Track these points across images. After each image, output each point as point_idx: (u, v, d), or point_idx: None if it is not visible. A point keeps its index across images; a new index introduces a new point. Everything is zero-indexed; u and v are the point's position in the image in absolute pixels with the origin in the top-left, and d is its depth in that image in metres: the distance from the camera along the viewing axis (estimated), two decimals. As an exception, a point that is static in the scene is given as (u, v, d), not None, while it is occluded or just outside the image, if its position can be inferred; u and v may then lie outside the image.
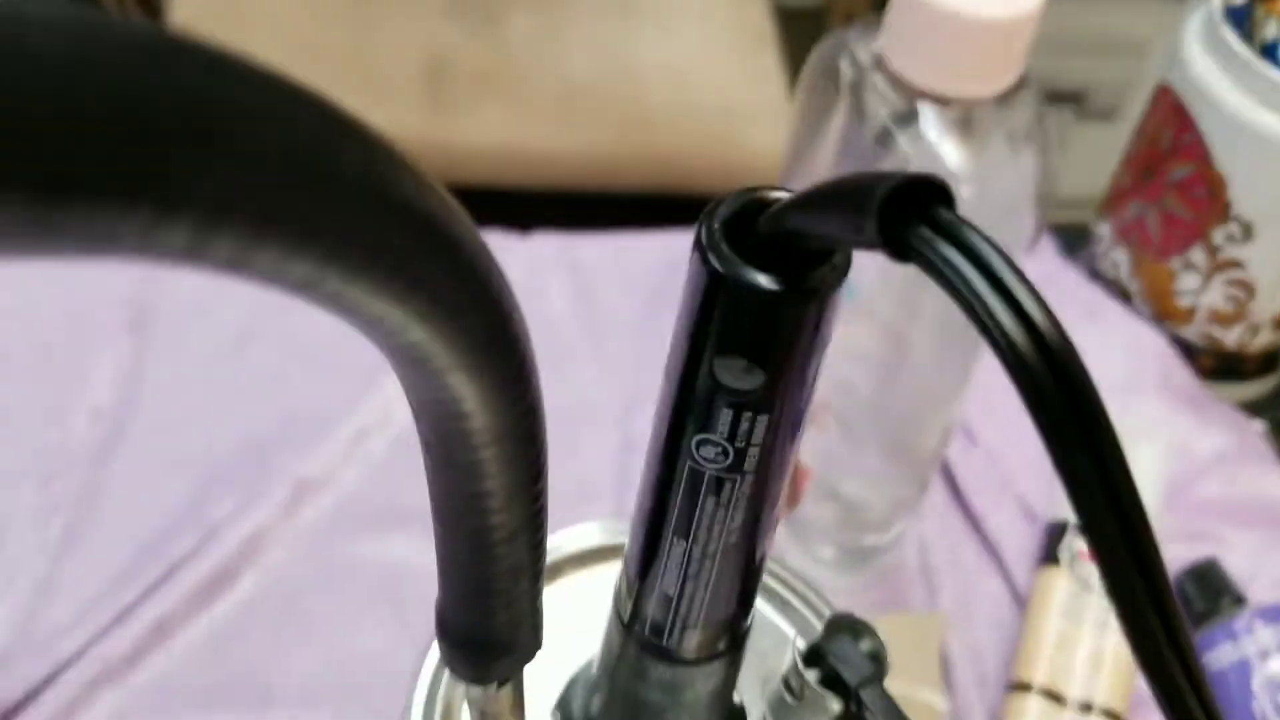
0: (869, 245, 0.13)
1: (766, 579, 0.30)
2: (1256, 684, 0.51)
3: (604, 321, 0.64)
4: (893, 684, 0.53)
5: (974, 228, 0.13)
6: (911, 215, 0.13)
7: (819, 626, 0.29)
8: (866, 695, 0.25)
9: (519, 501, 0.18)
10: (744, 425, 0.17)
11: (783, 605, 0.29)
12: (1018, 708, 0.50)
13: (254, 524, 0.52)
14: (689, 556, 0.20)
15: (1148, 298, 0.65)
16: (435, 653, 0.27)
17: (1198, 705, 0.15)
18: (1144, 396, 0.62)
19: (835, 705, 0.25)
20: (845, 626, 0.26)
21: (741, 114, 1.03)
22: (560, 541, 0.30)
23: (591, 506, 0.56)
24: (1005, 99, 0.39)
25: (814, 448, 0.49)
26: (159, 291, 0.60)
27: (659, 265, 0.67)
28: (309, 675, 0.48)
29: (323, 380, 0.58)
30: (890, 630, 0.54)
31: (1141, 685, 0.51)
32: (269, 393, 0.58)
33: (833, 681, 0.25)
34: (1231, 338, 0.63)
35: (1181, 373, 0.63)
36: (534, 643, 0.22)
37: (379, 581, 0.51)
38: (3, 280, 0.59)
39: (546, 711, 0.27)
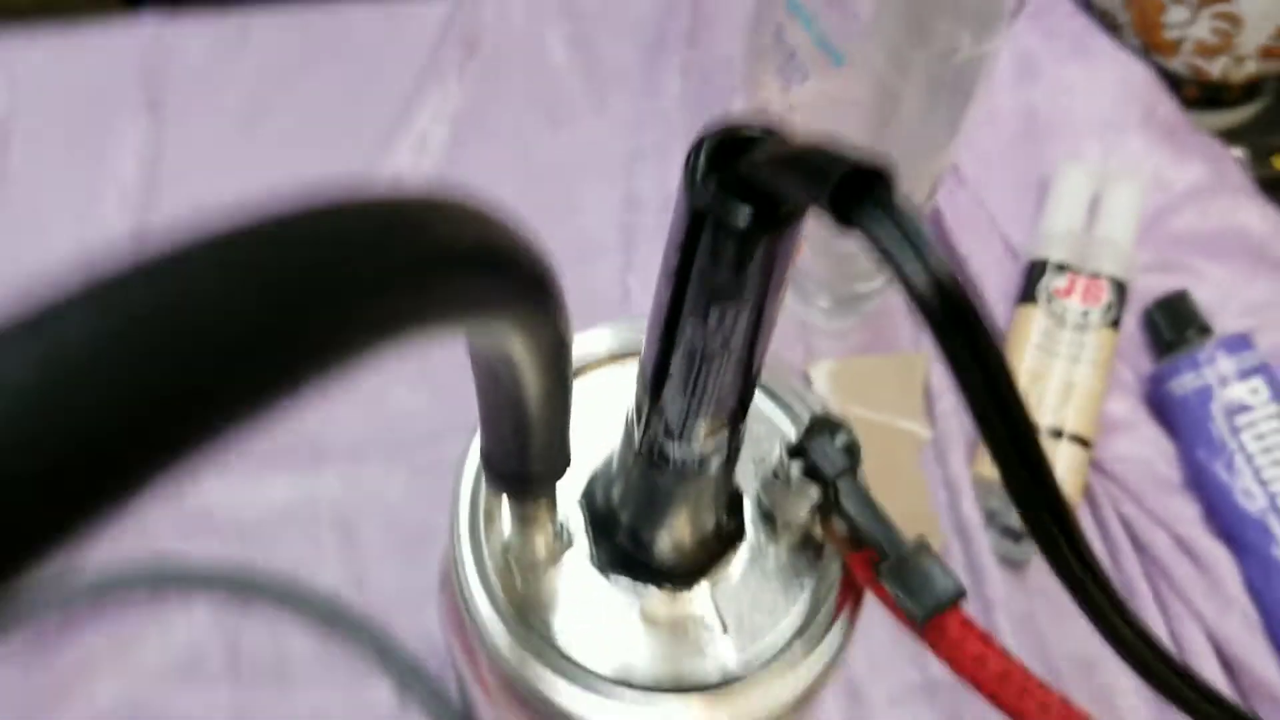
0: (822, 210, 0.16)
1: (766, 374, 0.33)
2: (1215, 408, 0.56)
3: (605, 72, 0.65)
4: (881, 416, 0.58)
5: (907, 206, 0.16)
6: (859, 193, 0.16)
7: (805, 417, 0.33)
8: (841, 485, 0.29)
9: (553, 393, 0.22)
10: (727, 316, 0.20)
11: (774, 397, 0.33)
12: (993, 434, 0.55)
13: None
14: (691, 395, 0.24)
15: (1137, 30, 0.65)
16: (474, 453, 0.31)
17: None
18: (1127, 133, 0.64)
19: (815, 492, 0.29)
20: (824, 425, 0.30)
21: None
22: (576, 347, 0.34)
23: (595, 265, 0.59)
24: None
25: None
26: (170, 71, 0.61)
27: (654, 10, 0.67)
28: (355, 434, 0.53)
29: (334, 149, 0.61)
30: (877, 368, 0.59)
31: (1108, 411, 0.56)
32: (283, 164, 0.60)
33: (813, 473, 0.29)
34: (1216, 68, 0.65)
35: (1166, 105, 0.65)
36: (564, 465, 0.26)
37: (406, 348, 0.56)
38: (24, 73, 0.61)
39: (573, 502, 0.32)
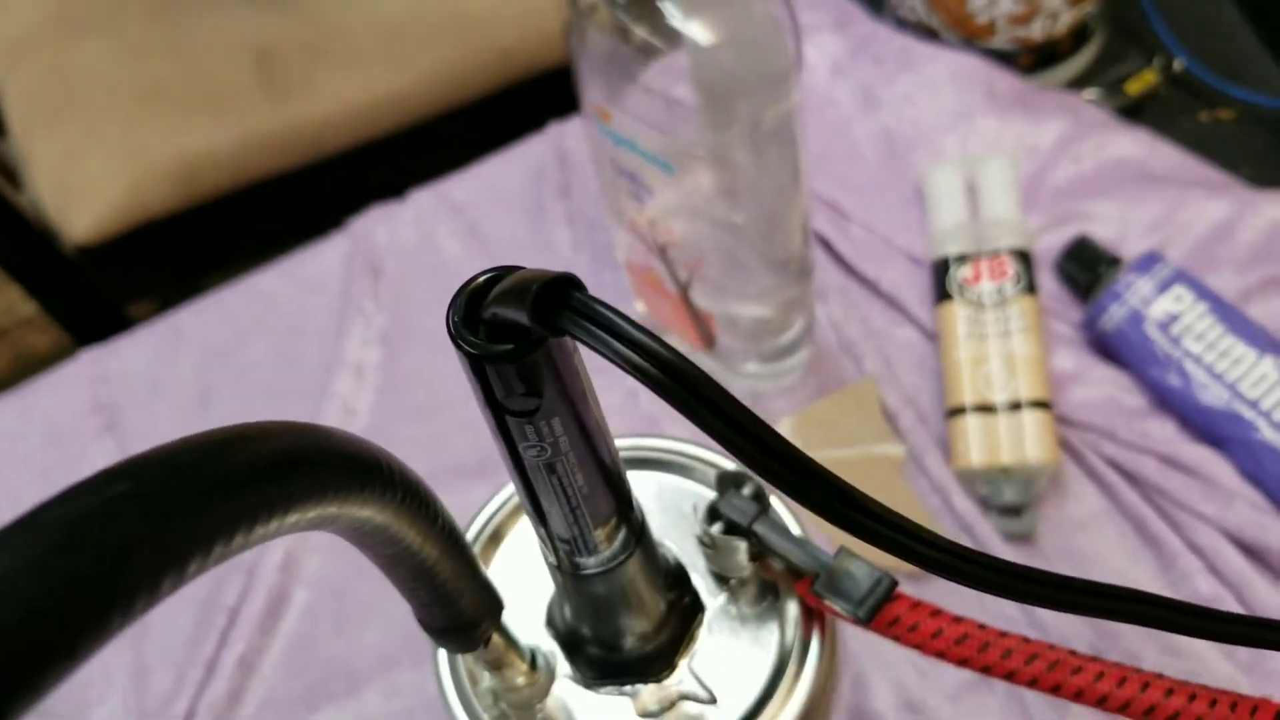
0: (535, 327, 0.19)
1: (668, 456, 0.36)
2: (1150, 329, 0.58)
3: (499, 247, 0.70)
4: (854, 450, 0.60)
5: (598, 304, 0.19)
6: (557, 305, 0.19)
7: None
8: (759, 528, 0.32)
9: (445, 553, 0.25)
10: (544, 428, 0.23)
11: (686, 471, 0.36)
12: (960, 430, 0.58)
13: (283, 548, 0.59)
14: (565, 507, 0.26)
15: (950, 26, 0.70)
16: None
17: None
18: (978, 117, 0.67)
19: (742, 544, 0.32)
20: (729, 480, 0.33)
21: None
22: (501, 502, 0.37)
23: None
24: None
25: (705, 296, 0.55)
26: (118, 392, 0.66)
27: (525, 181, 0.72)
28: (382, 648, 0.56)
29: (284, 403, 0.65)
30: (833, 407, 0.62)
31: (1056, 368, 0.59)
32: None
33: (733, 527, 0.32)
34: (1036, 31, 0.69)
35: (1004, 79, 0.69)
36: (496, 605, 0.29)
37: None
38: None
39: (541, 629, 0.34)
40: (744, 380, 0.60)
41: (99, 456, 0.63)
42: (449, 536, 0.25)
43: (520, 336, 0.21)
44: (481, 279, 0.22)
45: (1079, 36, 0.71)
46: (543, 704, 0.33)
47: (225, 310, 0.69)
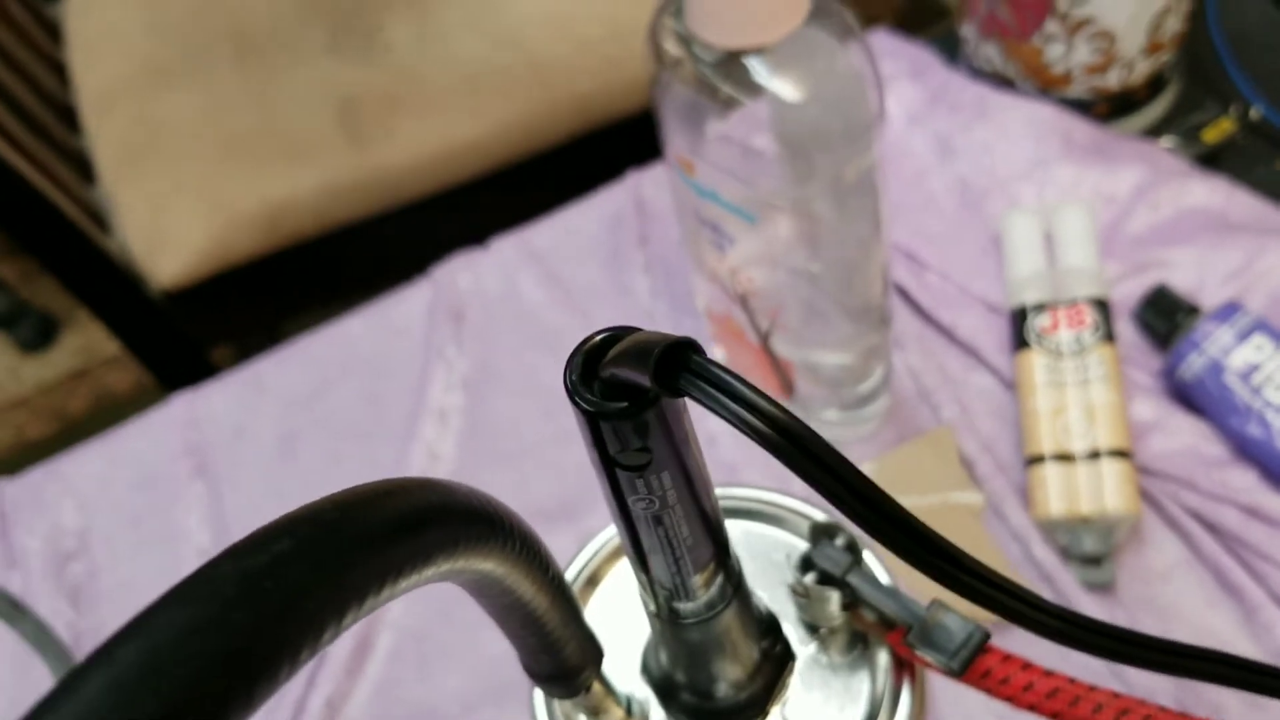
0: (655, 389, 0.20)
1: (757, 506, 0.37)
2: (1229, 378, 0.58)
3: (579, 295, 0.71)
4: (932, 497, 0.61)
5: (715, 366, 0.20)
6: (677, 368, 0.20)
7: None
8: (852, 580, 0.32)
9: (554, 603, 0.26)
10: (654, 482, 0.24)
11: (775, 520, 0.37)
12: (1039, 479, 0.58)
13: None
14: (669, 557, 0.27)
15: (1027, 76, 0.70)
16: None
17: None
18: (1054, 165, 0.68)
19: (835, 594, 0.33)
20: (822, 531, 0.34)
21: (630, 32, 1.08)
22: (603, 541, 0.37)
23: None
24: (811, 17, 0.45)
25: (785, 345, 0.56)
26: (206, 436, 0.68)
27: (603, 229, 0.73)
28: (463, 690, 0.57)
29: (369, 448, 0.66)
30: (911, 455, 0.62)
31: (1135, 417, 0.58)
32: (330, 476, 0.66)
33: (826, 578, 0.33)
34: (1113, 80, 0.69)
35: (1081, 127, 0.69)
36: (598, 653, 0.30)
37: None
38: (88, 485, 0.67)
39: (636, 675, 0.35)
40: (823, 428, 0.61)
41: (191, 500, 0.65)
42: (558, 587, 0.26)
43: (635, 395, 0.22)
44: (598, 339, 0.23)
45: (1155, 85, 0.71)
46: (638, 750, 0.34)
47: (310, 356, 0.71)
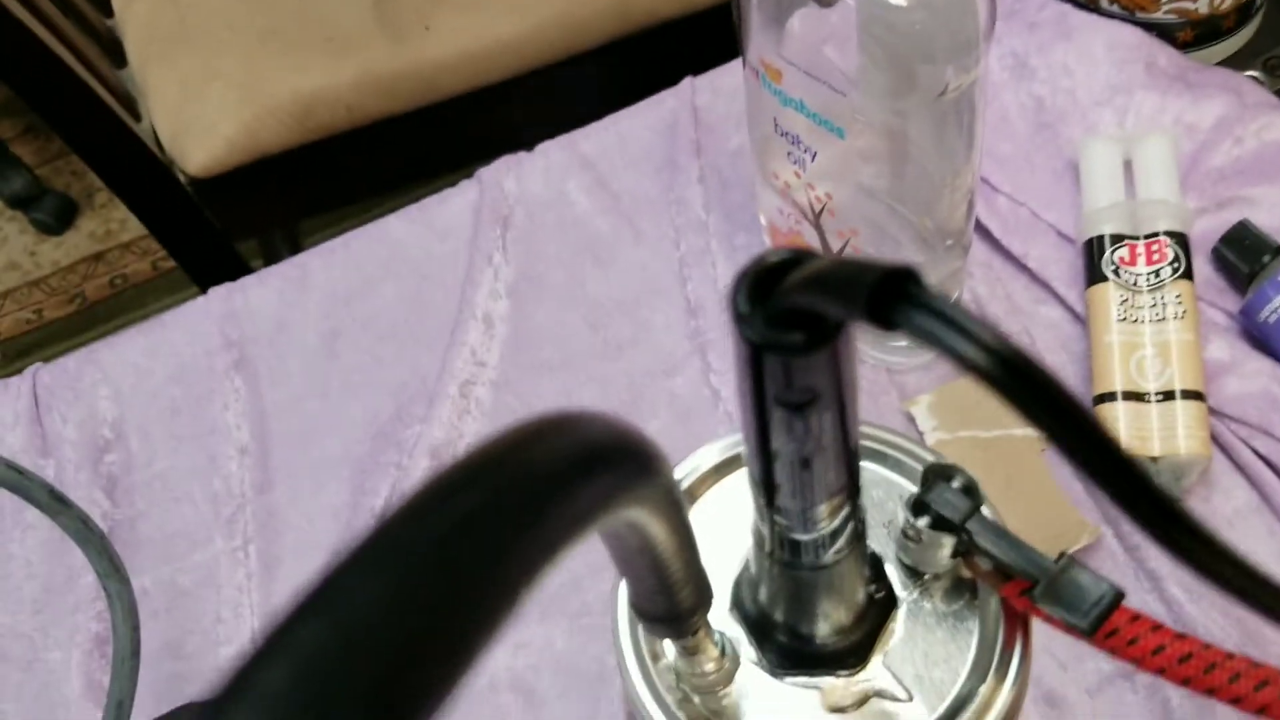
0: (862, 322, 0.18)
1: (868, 443, 0.35)
2: (1310, 321, 0.56)
3: (630, 204, 0.68)
4: (993, 431, 0.59)
5: (938, 296, 0.18)
6: (891, 298, 0.18)
7: (918, 469, 0.34)
8: (971, 527, 0.31)
9: (680, 539, 0.24)
10: (813, 423, 0.22)
11: (884, 459, 0.35)
12: (1108, 418, 0.56)
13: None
14: (806, 502, 0.25)
15: (1113, -4, 0.67)
16: (622, 597, 0.33)
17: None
18: (1136, 91, 0.65)
19: (949, 540, 0.31)
20: (939, 473, 0.32)
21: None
22: (694, 464, 0.36)
23: (679, 377, 0.61)
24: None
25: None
26: (246, 331, 0.66)
27: (656, 136, 0.71)
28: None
29: (412, 351, 0.64)
30: (971, 387, 0.60)
31: (1210, 358, 0.57)
32: (372, 378, 0.64)
33: (941, 523, 0.31)
34: (1201, 5, 0.66)
35: (1165, 54, 0.66)
36: (709, 595, 0.28)
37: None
38: (124, 375, 0.65)
39: (725, 614, 0.33)
40: (883, 355, 0.59)
41: (229, 395, 0.64)
42: (688, 528, 0.24)
43: (813, 326, 0.20)
44: (774, 259, 0.21)
45: (1243, 12, 0.68)
46: (727, 689, 0.32)
47: (353, 254, 0.69)
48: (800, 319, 0.20)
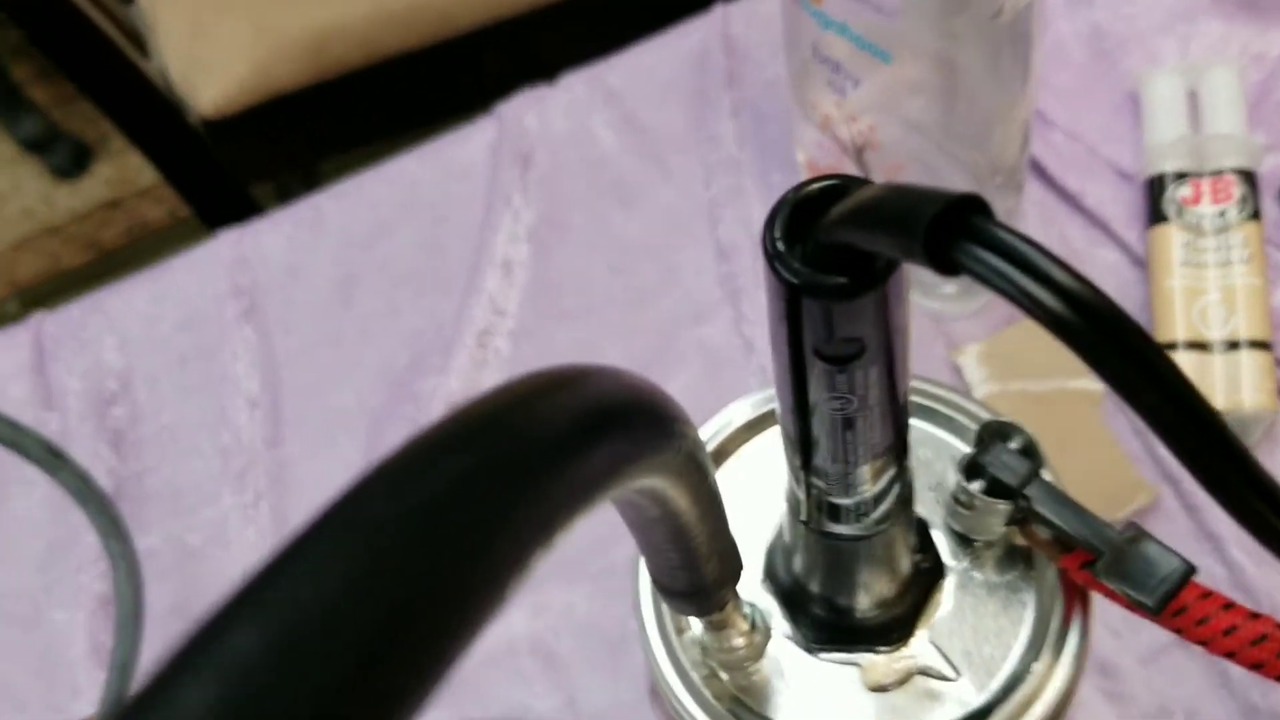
0: (917, 262, 0.15)
1: (915, 398, 0.32)
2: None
3: (658, 140, 0.65)
4: (1046, 384, 0.55)
5: (1008, 231, 0.14)
6: (953, 233, 0.14)
7: (971, 426, 0.31)
8: (1031, 493, 0.27)
9: (707, 512, 0.21)
10: (858, 379, 0.19)
11: (933, 416, 0.32)
12: (1166, 367, 0.52)
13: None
14: (849, 465, 0.22)
15: (1177, -86, 0.62)
16: (644, 567, 0.30)
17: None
18: (1200, 21, 0.61)
19: (1004, 507, 0.28)
20: (995, 432, 0.28)
21: None
22: (724, 420, 0.33)
23: (710, 325, 0.58)
24: None
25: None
26: (257, 276, 0.63)
27: (686, 67, 0.67)
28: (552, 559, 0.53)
29: (429, 298, 0.61)
30: (1025, 336, 0.57)
31: (1276, 305, 0.53)
32: (388, 326, 0.61)
33: (997, 488, 0.28)
34: (1273, -78, 0.61)
35: (1232, -23, 0.61)
36: (737, 567, 0.25)
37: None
38: (131, 323, 0.63)
39: (756, 584, 0.31)
40: (931, 301, 0.55)
41: (239, 344, 0.61)
42: (714, 495, 0.21)
43: (857, 266, 0.17)
44: (815, 188, 0.18)
45: (1316, -69, 0.63)
46: (757, 665, 0.29)
47: (367, 196, 0.66)
48: (845, 258, 0.17)
